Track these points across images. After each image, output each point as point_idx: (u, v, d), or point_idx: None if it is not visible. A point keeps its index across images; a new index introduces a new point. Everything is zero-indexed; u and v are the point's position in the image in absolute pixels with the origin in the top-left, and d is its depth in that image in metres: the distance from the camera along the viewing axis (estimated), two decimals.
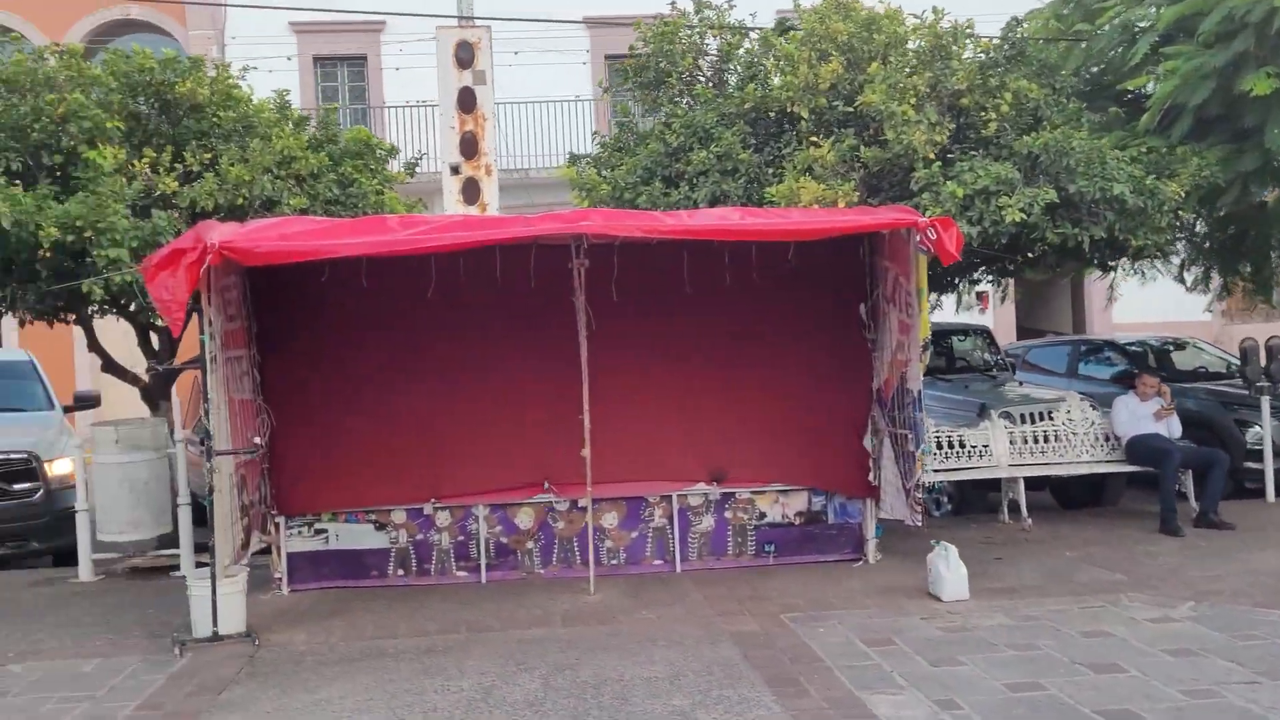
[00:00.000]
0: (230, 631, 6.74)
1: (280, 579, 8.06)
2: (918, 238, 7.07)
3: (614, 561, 8.31)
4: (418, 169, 11.33)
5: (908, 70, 8.74)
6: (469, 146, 9.57)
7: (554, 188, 19.33)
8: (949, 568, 7.21)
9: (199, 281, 6.51)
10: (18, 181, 8.55)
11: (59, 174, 9.00)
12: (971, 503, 10.52)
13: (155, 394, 10.19)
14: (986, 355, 12.97)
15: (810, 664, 5.95)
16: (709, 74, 10.28)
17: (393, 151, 10.87)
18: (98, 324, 10.21)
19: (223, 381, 7.04)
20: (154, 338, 10.48)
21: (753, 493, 8.42)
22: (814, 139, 8.83)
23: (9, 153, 8.52)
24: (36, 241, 8.15)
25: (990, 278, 12.07)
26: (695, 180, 9.22)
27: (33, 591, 8.53)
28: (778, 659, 6.05)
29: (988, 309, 20.76)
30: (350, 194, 9.97)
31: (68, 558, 10.11)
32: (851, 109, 8.95)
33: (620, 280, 7.75)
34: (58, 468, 9.95)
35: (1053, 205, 8.49)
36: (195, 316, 7.12)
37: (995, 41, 9.42)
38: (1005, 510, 9.85)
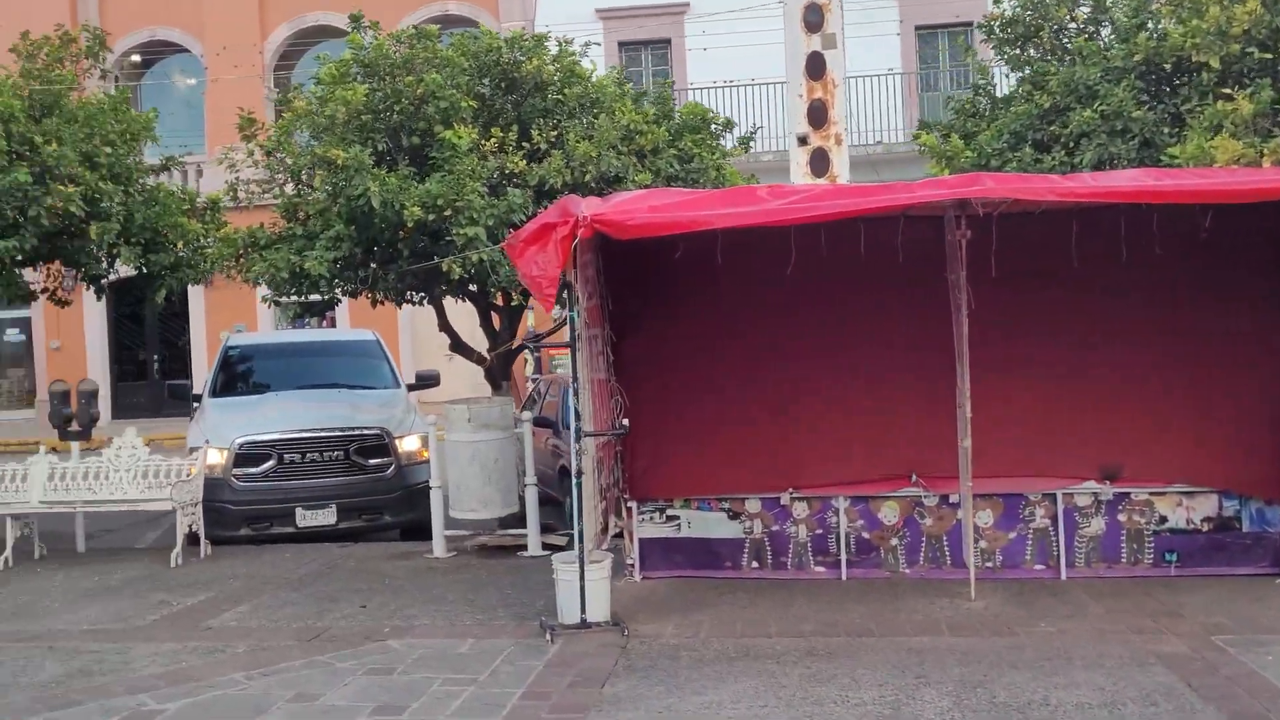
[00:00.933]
0: (597, 619, 6.50)
1: (633, 565, 7.80)
2: None
3: (988, 564, 7.54)
4: (751, 144, 10.94)
5: None
6: (817, 115, 9.00)
7: (880, 164, 18.61)
8: None
9: (569, 257, 6.29)
10: (379, 164, 8.71)
11: (411, 155, 9.14)
12: None
13: (497, 374, 10.27)
14: None
15: (1275, 699, 5.02)
16: (1081, 25, 9.25)
17: (728, 125, 10.50)
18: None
19: (587, 360, 6.81)
20: (494, 318, 10.58)
21: (1151, 494, 7.43)
22: (1224, 91, 7.70)
23: (374, 135, 8.68)
24: (400, 221, 8.26)
25: None
26: (1075, 143, 8.27)
27: (392, 565, 8.69)
28: (1231, 690, 5.16)
29: None
30: (690, 169, 9.66)
31: (412, 532, 10.39)
32: (1270, 54, 7.75)
33: (998, 254, 6.97)
34: (407, 444, 10.20)
35: None
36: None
37: None
38: None
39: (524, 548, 8.89)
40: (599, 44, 21.34)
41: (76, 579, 8.53)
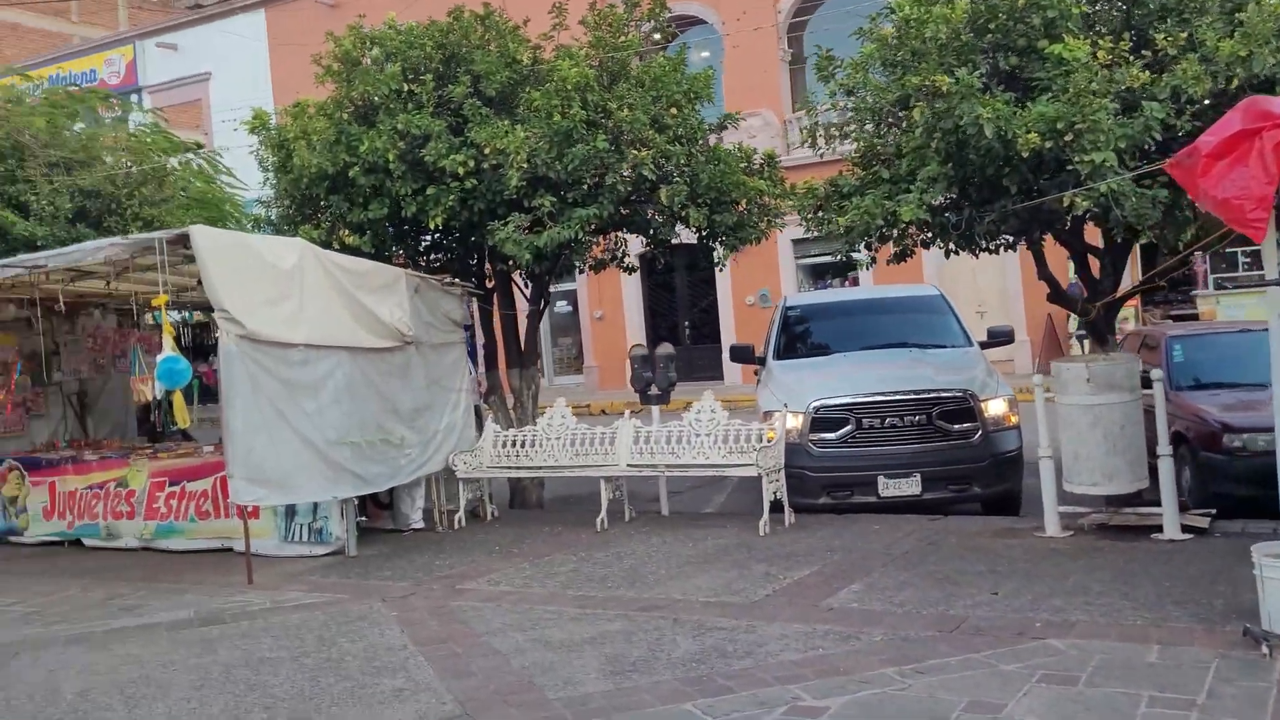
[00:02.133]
0: None
1: None
2: None
3: None
4: None
5: None
6: None
7: None
8: None
9: None
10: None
11: (1006, 79, 8.01)
12: None
13: (1102, 327, 8.91)
14: None
15: None
16: None
17: None
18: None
19: None
20: (1092, 262, 9.21)
21: None
22: None
23: (974, 57, 7.66)
24: (1009, 153, 7.20)
25: None
26: None
27: (1002, 543, 7.70)
28: None
29: None
30: None
31: (993, 505, 9.39)
32: None
33: None
34: (993, 408, 9.19)
35: None
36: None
37: None
38: None
39: (1157, 529, 7.55)
40: None
41: (671, 544, 8.43)
